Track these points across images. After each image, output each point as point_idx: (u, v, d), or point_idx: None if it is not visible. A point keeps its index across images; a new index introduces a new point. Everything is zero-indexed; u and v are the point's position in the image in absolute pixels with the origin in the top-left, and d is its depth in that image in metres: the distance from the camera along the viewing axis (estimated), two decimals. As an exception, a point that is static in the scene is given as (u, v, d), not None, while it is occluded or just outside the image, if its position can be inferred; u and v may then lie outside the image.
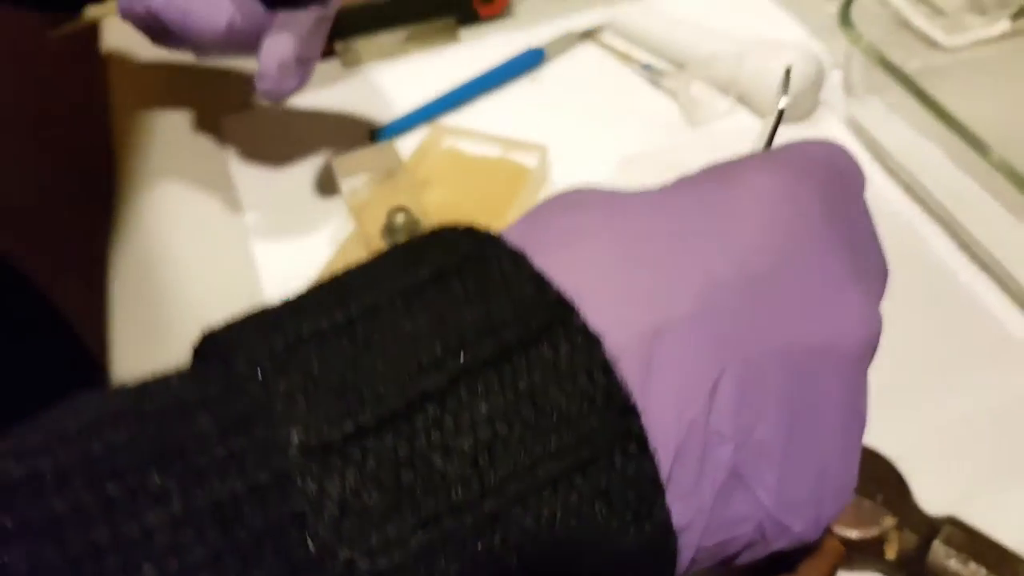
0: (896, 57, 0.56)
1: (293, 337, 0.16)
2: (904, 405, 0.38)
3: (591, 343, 0.17)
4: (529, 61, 0.57)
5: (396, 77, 0.58)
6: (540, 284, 0.17)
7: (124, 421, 0.15)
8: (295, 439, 0.15)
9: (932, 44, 0.57)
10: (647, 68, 0.56)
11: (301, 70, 0.41)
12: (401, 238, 0.38)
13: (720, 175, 0.22)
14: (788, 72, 0.26)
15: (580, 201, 0.21)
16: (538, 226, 0.20)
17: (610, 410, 0.17)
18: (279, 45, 0.40)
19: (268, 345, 0.16)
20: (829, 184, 0.22)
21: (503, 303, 0.17)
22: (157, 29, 0.40)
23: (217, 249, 0.50)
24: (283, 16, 0.41)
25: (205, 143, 0.56)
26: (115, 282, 0.52)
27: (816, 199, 0.21)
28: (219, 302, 0.47)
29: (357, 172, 0.44)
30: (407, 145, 0.52)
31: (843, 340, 0.20)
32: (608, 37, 0.59)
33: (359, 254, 0.43)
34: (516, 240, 0.18)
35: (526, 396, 0.16)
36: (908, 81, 0.44)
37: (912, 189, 0.48)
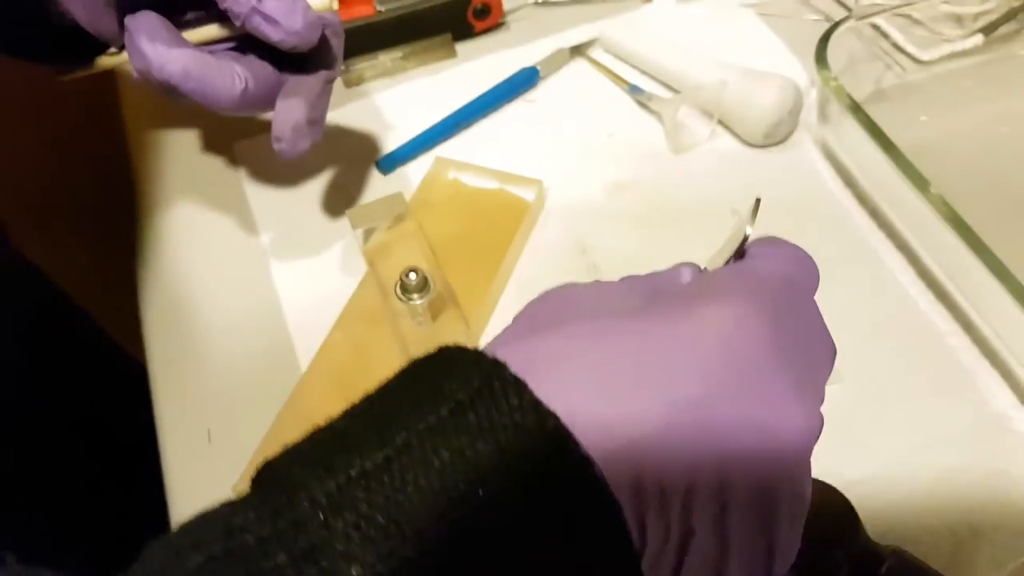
0: (875, 71, 0.60)
1: (344, 478, 0.21)
2: (860, 435, 0.43)
3: (584, 465, 0.22)
4: (524, 81, 0.60)
5: (398, 95, 0.61)
6: (540, 414, 0.22)
7: (219, 566, 0.20)
8: (354, 572, 0.20)
9: (910, 57, 0.60)
10: (634, 90, 0.59)
11: (312, 130, 0.45)
12: (414, 295, 0.42)
13: (683, 304, 0.26)
14: (758, 203, 0.30)
15: (565, 318, 0.26)
16: (533, 349, 0.25)
17: (602, 526, 0.22)
18: (291, 110, 0.44)
19: (324, 487, 0.21)
20: (779, 303, 0.27)
21: (511, 435, 0.22)
22: (174, 94, 0.43)
23: (237, 268, 0.54)
24: (293, 81, 0.45)
25: (219, 164, 0.59)
26: (145, 299, 0.56)
27: (765, 323, 0.26)
28: (243, 317, 0.51)
29: (369, 221, 0.48)
30: (414, 172, 0.56)
31: (785, 447, 0.25)
32: (597, 53, 0.62)
33: (375, 297, 0.47)
34: (515, 362, 0.23)
35: (532, 519, 0.21)
36: (872, 125, 0.48)
37: (877, 216, 0.52)
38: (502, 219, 0.51)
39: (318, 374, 0.45)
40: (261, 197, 0.57)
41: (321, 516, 0.20)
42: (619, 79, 0.60)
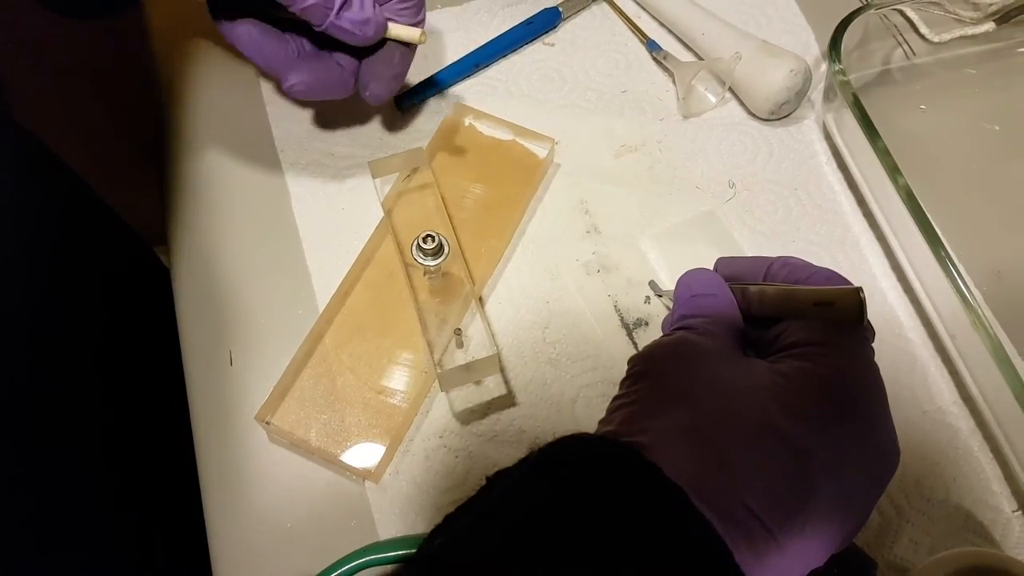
0: (886, 48, 0.61)
1: None
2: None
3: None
4: (546, 22, 0.61)
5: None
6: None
7: None
8: None
9: (922, 37, 0.61)
10: (652, 46, 0.60)
11: (396, 83, 0.50)
12: (429, 258, 0.46)
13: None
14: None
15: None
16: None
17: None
18: (380, 67, 0.50)
19: None
20: None
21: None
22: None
23: (259, 196, 0.56)
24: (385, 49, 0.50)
25: (245, 92, 0.61)
26: (171, 219, 0.59)
27: None
28: (263, 246, 0.54)
29: (388, 171, 0.51)
30: (431, 111, 0.58)
31: None
32: (620, -1, 0.63)
33: (390, 246, 0.50)
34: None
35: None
36: (868, 122, 0.50)
37: (863, 204, 0.55)
38: (514, 173, 0.54)
39: (335, 315, 0.49)
40: (284, 126, 0.58)
41: None
42: (638, 31, 0.61)
